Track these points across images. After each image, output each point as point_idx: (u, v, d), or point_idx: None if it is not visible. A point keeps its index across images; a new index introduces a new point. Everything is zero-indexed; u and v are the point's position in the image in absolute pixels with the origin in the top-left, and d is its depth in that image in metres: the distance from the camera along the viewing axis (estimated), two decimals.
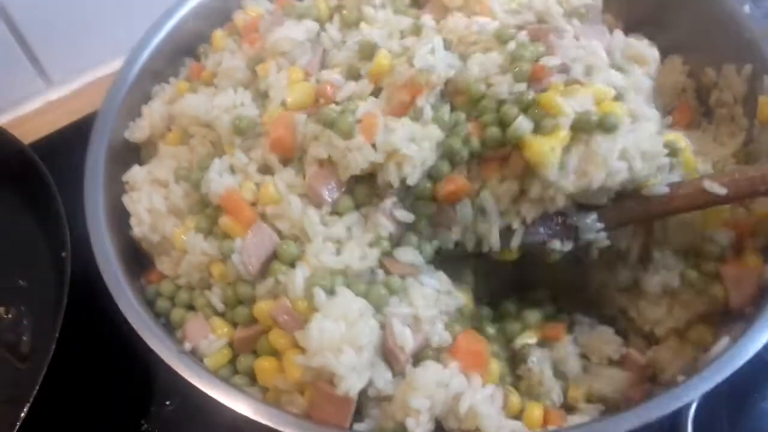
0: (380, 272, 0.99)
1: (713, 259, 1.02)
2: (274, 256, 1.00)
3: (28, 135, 1.58)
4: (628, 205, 1.00)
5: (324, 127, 1.00)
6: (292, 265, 0.98)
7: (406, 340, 0.92)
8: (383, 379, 0.91)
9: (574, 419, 0.94)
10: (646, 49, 1.14)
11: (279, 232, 1.01)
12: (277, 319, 0.94)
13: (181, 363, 0.94)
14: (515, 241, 1.00)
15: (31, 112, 1.72)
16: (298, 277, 0.95)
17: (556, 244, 1.00)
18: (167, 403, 1.28)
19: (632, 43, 1.13)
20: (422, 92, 1.00)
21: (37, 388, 1.06)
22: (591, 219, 0.99)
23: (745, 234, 1.03)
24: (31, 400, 1.05)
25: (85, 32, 1.63)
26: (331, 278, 0.95)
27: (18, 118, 1.69)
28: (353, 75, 1.11)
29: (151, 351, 0.96)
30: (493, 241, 1.00)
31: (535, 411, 0.94)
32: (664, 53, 1.22)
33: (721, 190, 0.95)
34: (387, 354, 0.92)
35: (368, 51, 1.09)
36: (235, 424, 1.09)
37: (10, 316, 1.35)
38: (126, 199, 1.12)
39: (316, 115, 1.03)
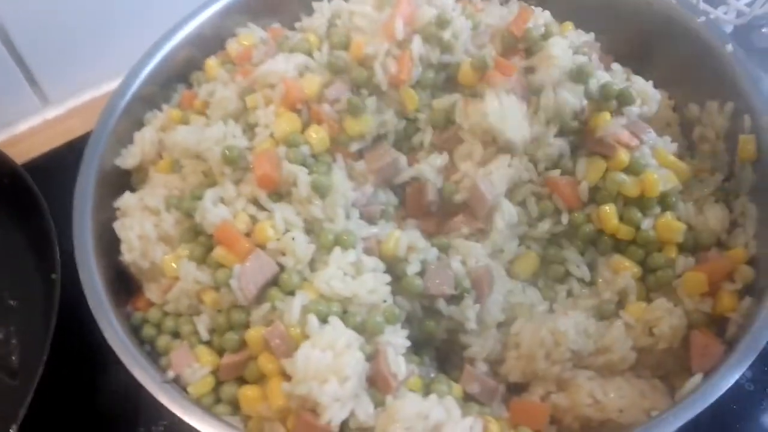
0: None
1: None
2: (273, 282, 1.02)
3: (23, 154, 1.61)
4: None
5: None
6: (291, 293, 1.00)
7: (399, 367, 0.95)
8: (365, 411, 0.93)
9: None
10: (649, 89, 1.19)
11: (280, 265, 1.03)
12: (270, 342, 0.96)
13: (164, 392, 0.95)
14: None
15: (27, 130, 1.73)
16: (296, 303, 0.97)
17: None
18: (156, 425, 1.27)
19: (638, 81, 1.19)
20: None
21: (25, 409, 1.06)
22: None
23: (719, 277, 1.05)
24: (20, 420, 1.05)
25: (82, 53, 1.65)
26: (327, 306, 0.97)
27: (13, 137, 1.71)
28: None
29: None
30: None
31: None
32: None
33: None
34: (378, 380, 0.94)
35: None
36: None
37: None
38: (117, 226, 1.14)
39: None
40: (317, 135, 1.11)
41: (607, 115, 1.13)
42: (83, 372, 1.29)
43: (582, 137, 1.15)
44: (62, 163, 1.56)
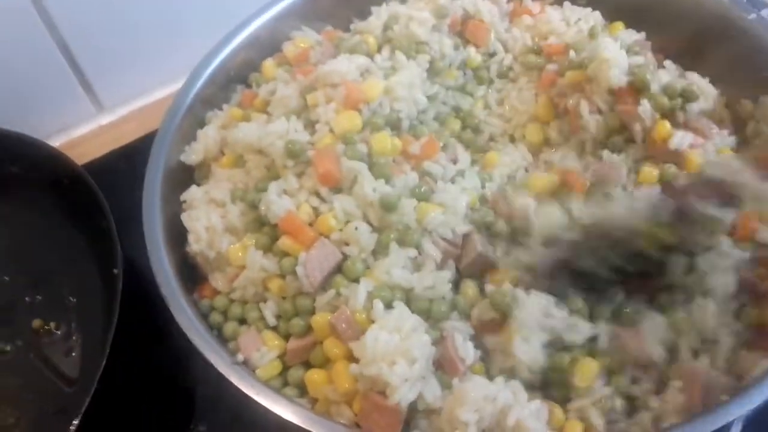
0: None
1: None
2: (337, 270, 1.05)
3: (78, 158, 1.61)
4: None
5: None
6: (355, 280, 1.03)
7: (468, 351, 0.97)
8: (432, 393, 0.94)
9: None
10: (706, 86, 1.21)
11: (344, 254, 1.06)
12: (337, 326, 0.98)
13: (234, 373, 0.98)
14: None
15: (82, 136, 1.77)
16: (361, 289, 1.00)
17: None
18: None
19: (693, 78, 1.21)
20: None
21: (87, 404, 1.08)
22: None
23: None
24: (80, 416, 1.07)
25: (137, 60, 1.70)
26: (391, 292, 1.00)
27: (69, 142, 1.75)
28: None
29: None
30: None
31: (576, 428, 0.97)
32: None
33: None
34: (445, 364, 0.97)
35: None
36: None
37: (59, 332, 1.40)
38: (185, 217, 1.17)
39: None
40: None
41: (667, 124, 1.15)
42: (137, 370, 1.30)
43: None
44: (115, 168, 1.62)
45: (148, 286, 1.43)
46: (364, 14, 1.39)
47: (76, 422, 1.08)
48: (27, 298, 1.42)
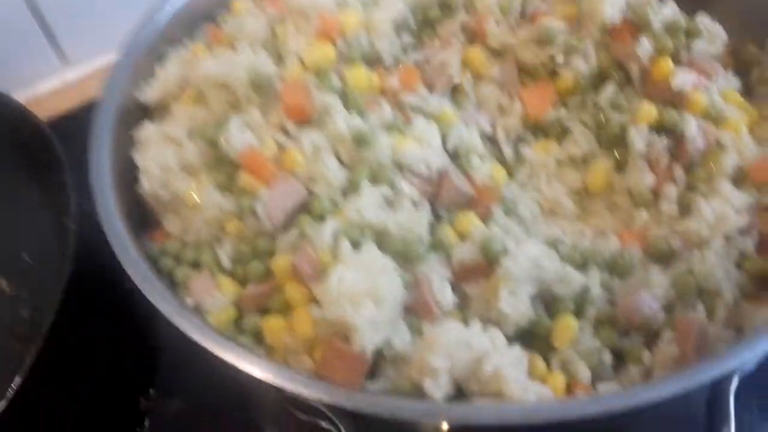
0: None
1: None
2: (301, 209, 0.95)
3: (41, 114, 1.55)
4: None
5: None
6: (321, 219, 0.93)
7: (445, 295, 0.88)
8: (401, 339, 0.85)
9: (604, 387, 0.86)
10: (714, 27, 1.12)
11: (310, 192, 0.97)
12: (299, 268, 0.88)
13: (184, 319, 0.87)
14: None
15: (46, 91, 1.70)
16: (327, 228, 0.90)
17: None
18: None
19: (701, 18, 1.11)
20: None
21: (36, 355, 0.99)
22: None
23: None
24: (28, 368, 0.99)
25: (104, 13, 1.61)
26: (361, 232, 0.90)
27: (32, 97, 1.68)
28: None
29: (154, 316, 0.90)
30: None
31: (559, 379, 0.87)
32: None
33: None
34: (418, 308, 0.87)
35: None
36: (234, 389, 1.05)
37: (9, 290, 1.31)
38: (136, 155, 1.08)
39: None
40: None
41: (669, 61, 1.06)
42: (95, 327, 1.23)
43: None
44: (79, 124, 1.51)
45: (107, 246, 1.37)
46: None
47: (18, 379, 0.98)
48: None
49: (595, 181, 1.08)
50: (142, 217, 1.08)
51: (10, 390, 0.98)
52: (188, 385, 1.23)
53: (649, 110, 1.04)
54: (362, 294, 0.82)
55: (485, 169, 1.04)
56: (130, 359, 1.30)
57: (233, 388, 1.14)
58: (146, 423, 1.23)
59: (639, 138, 1.03)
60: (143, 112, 1.17)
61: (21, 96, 1.62)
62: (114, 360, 1.27)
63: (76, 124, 1.52)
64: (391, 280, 0.85)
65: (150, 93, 1.15)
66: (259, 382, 0.83)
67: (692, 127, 1.01)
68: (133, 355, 1.31)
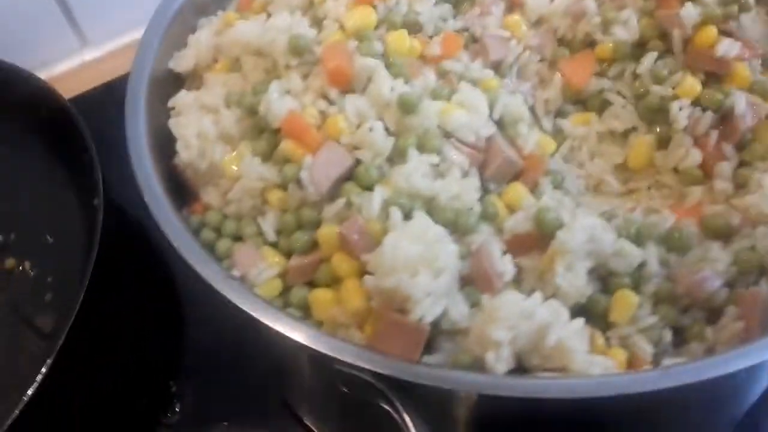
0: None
1: None
2: (347, 177, 0.92)
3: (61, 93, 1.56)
4: None
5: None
6: (369, 188, 0.90)
7: (506, 266, 0.84)
8: (459, 311, 0.81)
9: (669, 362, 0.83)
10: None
11: (356, 160, 0.93)
12: (348, 237, 0.85)
13: (231, 289, 0.84)
14: None
15: (66, 71, 1.71)
16: (376, 197, 0.87)
17: None
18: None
19: None
20: None
21: (62, 340, 0.99)
22: None
23: None
24: (55, 354, 0.98)
25: None
26: (410, 201, 0.87)
27: (52, 77, 1.67)
28: None
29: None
30: None
31: (621, 354, 0.84)
32: None
33: None
34: (477, 279, 0.84)
35: None
36: (271, 369, 1.01)
37: (33, 272, 1.31)
38: (172, 124, 1.04)
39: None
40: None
41: (714, 29, 1.01)
42: (122, 307, 1.22)
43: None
44: (99, 105, 1.52)
45: (131, 225, 1.34)
46: None
47: (50, 361, 0.98)
48: (0, 236, 1.34)
49: (637, 157, 1.04)
50: (180, 189, 1.04)
51: (41, 374, 0.97)
52: (219, 367, 1.21)
53: (692, 84, 1.00)
54: (419, 263, 0.79)
55: (533, 139, 1.00)
56: (158, 342, 1.29)
57: (270, 369, 1.12)
58: (176, 407, 1.21)
59: (682, 114, 0.99)
60: (176, 83, 1.13)
61: (41, 76, 1.61)
62: (142, 342, 1.26)
63: (95, 104, 1.54)
64: (447, 249, 0.82)
65: (182, 62, 1.12)
66: (310, 356, 0.79)
67: (742, 102, 0.97)
68: (162, 338, 1.30)
